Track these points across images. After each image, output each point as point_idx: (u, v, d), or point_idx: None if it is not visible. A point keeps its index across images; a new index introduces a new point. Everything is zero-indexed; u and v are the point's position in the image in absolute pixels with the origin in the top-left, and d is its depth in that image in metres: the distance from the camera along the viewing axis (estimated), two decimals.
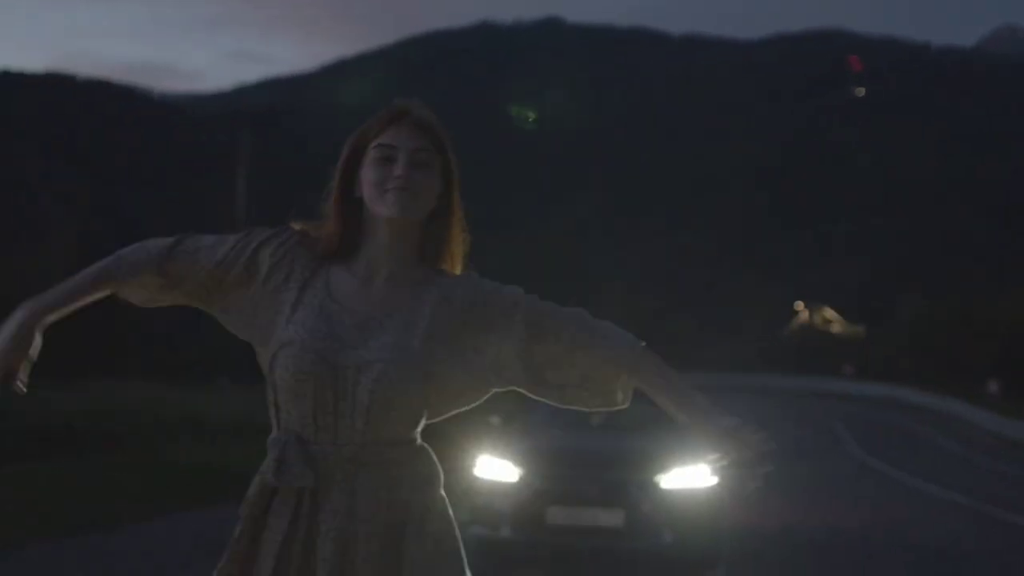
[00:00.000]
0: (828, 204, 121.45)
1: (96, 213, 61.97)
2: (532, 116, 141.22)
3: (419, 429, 2.10)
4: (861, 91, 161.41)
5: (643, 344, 2.11)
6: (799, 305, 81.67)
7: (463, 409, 2.17)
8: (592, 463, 7.39)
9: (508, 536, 7.23)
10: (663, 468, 7.24)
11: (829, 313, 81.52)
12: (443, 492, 2.14)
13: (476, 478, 7.56)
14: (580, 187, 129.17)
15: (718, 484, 7.37)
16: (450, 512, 2.13)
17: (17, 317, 2.08)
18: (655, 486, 7.18)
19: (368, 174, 2.10)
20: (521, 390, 2.15)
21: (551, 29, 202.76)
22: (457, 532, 2.12)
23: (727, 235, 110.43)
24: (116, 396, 15.79)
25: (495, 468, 7.46)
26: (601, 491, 7.17)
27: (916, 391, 48.62)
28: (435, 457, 2.14)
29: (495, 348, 2.09)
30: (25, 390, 2.09)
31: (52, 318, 2.13)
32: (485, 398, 2.17)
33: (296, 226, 2.19)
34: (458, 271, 2.16)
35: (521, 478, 7.23)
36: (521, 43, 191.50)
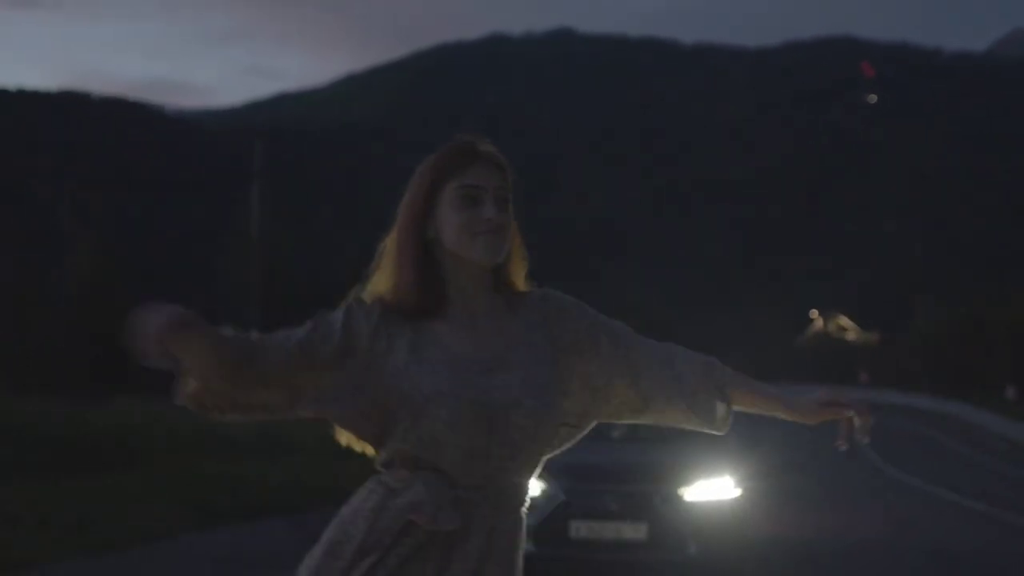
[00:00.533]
0: (842, 210, 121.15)
1: (111, 228, 62.20)
2: None
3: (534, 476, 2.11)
4: (873, 97, 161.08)
5: (714, 360, 2.16)
6: (814, 313, 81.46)
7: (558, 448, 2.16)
8: (614, 476, 7.38)
9: (531, 550, 7.23)
10: (686, 481, 7.24)
11: (844, 321, 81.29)
12: None
13: None
14: (593, 196, 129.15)
15: (741, 496, 7.38)
16: None
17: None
18: (678, 499, 7.17)
19: (453, 217, 2.02)
20: (624, 419, 2.18)
21: (562, 40, 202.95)
22: None
23: (742, 242, 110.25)
24: (138, 412, 15.86)
25: None
26: (624, 504, 7.15)
27: (932, 397, 48.45)
28: None
29: (601, 375, 2.11)
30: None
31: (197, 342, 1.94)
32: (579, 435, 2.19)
33: (363, 296, 2.09)
34: (524, 287, 2.14)
35: (543, 492, 7.24)
36: (532, 54, 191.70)
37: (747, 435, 8.28)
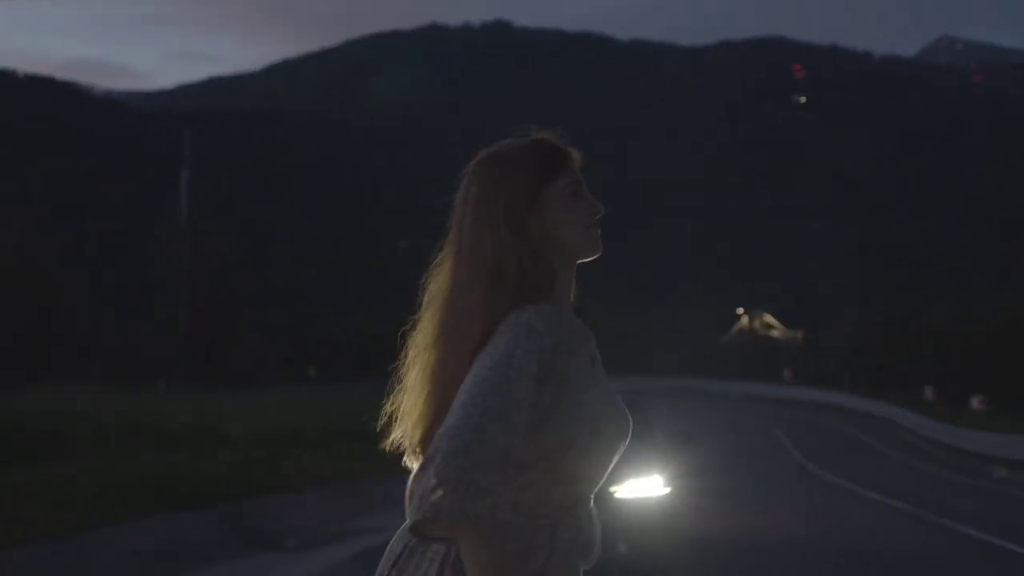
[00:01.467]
0: (772, 210, 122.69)
1: (37, 210, 60.91)
2: None
3: None
4: (803, 98, 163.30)
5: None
6: (740, 311, 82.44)
7: None
8: None
9: None
10: (616, 479, 7.32)
11: (769, 319, 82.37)
12: None
13: None
14: None
15: (671, 494, 7.48)
16: None
17: None
18: (608, 496, 7.25)
19: (565, 212, 1.92)
20: None
21: (499, 32, 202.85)
22: None
23: (671, 240, 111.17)
24: (49, 401, 15.55)
25: None
26: None
27: (853, 396, 49.30)
28: None
29: None
30: None
31: None
32: None
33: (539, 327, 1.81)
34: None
35: None
36: (469, 46, 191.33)
37: (676, 434, 8.38)
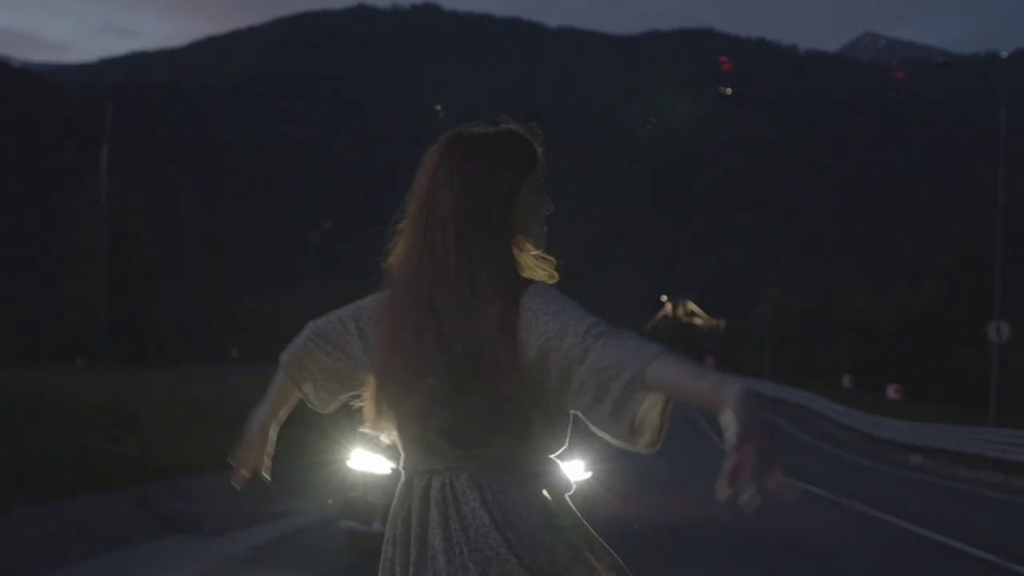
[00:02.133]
0: (697, 200, 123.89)
1: None
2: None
3: None
4: (729, 90, 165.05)
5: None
6: (664, 298, 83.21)
7: None
8: None
9: (380, 531, 7.11)
10: None
11: (692, 306, 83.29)
12: None
13: (350, 471, 7.46)
14: None
15: (592, 478, 7.42)
16: None
17: (249, 426, 2.27)
18: None
19: (536, 209, 2.00)
20: None
21: (428, 15, 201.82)
22: None
23: (598, 227, 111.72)
24: None
25: (369, 461, 7.36)
26: None
27: (775, 385, 49.99)
28: None
29: None
30: (270, 479, 2.31)
31: (276, 420, 2.28)
32: None
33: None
34: None
35: (394, 471, 7.15)
36: (399, 28, 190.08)
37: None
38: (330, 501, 9.29)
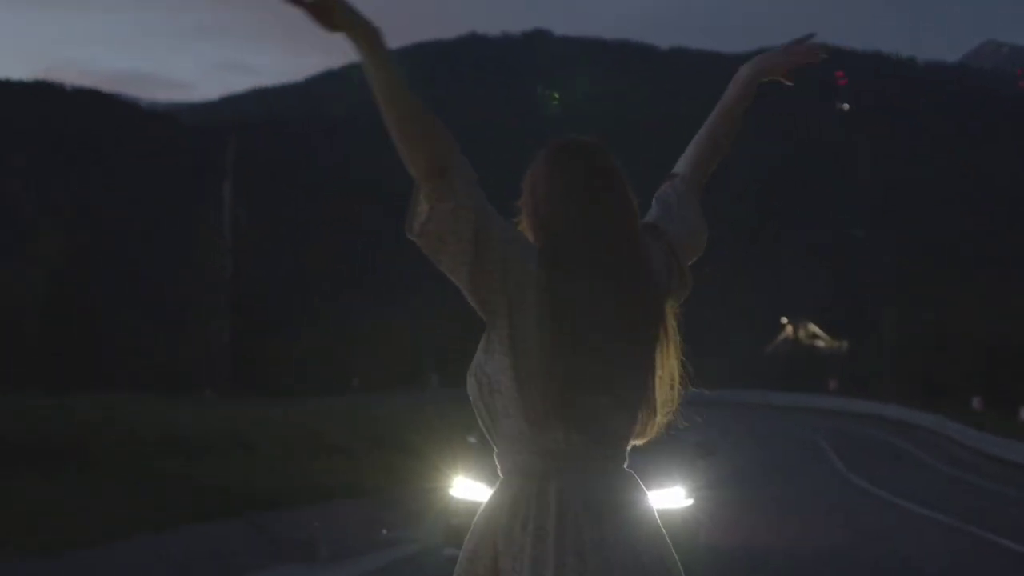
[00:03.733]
0: (815, 217, 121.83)
1: (83, 220, 61.72)
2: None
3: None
4: (846, 106, 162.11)
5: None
6: (784, 320, 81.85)
7: None
8: None
9: None
10: None
11: (814, 328, 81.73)
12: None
13: (452, 499, 7.50)
14: None
15: (693, 505, 7.33)
16: None
17: None
18: None
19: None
20: None
21: (539, 41, 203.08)
22: None
23: (713, 247, 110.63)
24: (95, 409, 15.66)
25: (471, 489, 7.39)
26: None
27: (899, 406, 48.70)
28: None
29: None
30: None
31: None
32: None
33: None
34: None
35: None
36: (509, 55, 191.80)
37: (700, 444, 8.25)
38: (434, 529, 9.36)
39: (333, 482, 12.37)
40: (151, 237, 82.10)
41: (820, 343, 78.95)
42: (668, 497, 7.20)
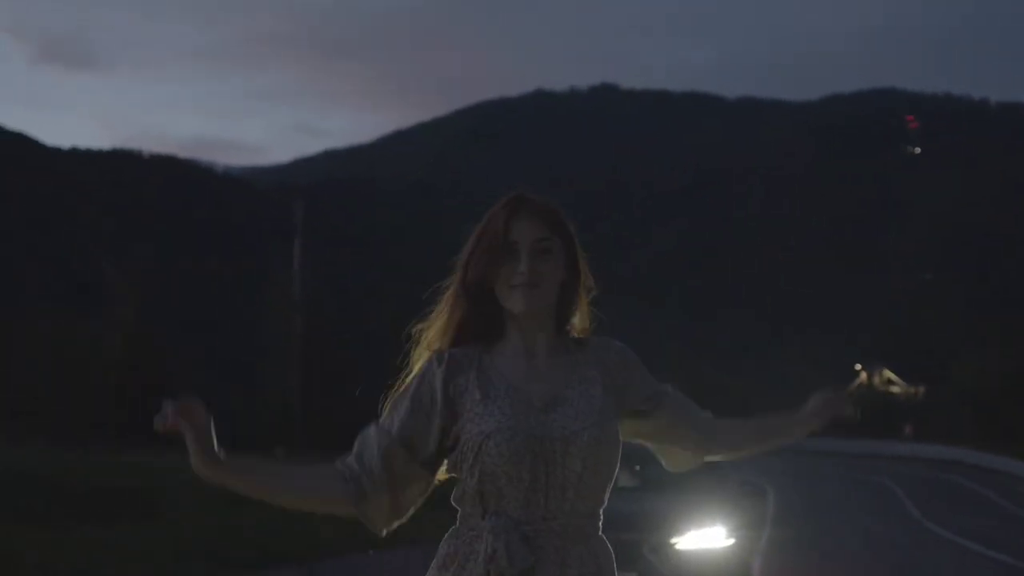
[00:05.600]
0: (889, 263, 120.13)
1: (160, 285, 63.00)
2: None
3: (604, 504, 2.20)
4: (917, 150, 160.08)
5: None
6: (858, 367, 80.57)
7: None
8: (604, 524, 7.31)
9: None
10: (677, 530, 7.17)
11: (889, 374, 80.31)
12: None
13: None
14: (636, 249, 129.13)
15: (735, 544, 7.35)
16: None
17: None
18: (669, 548, 7.11)
19: (495, 272, 2.15)
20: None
21: (606, 95, 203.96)
22: None
23: (783, 294, 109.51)
24: (157, 462, 15.99)
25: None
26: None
27: (978, 451, 47.62)
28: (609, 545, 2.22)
29: (632, 423, 2.25)
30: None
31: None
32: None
33: (421, 333, 2.26)
34: (586, 332, 2.28)
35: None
36: (576, 110, 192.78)
37: (746, 483, 8.25)
38: None
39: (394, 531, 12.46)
40: (224, 298, 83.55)
41: (896, 389, 77.61)
42: (709, 537, 7.21)
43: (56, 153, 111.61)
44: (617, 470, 2.17)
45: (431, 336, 2.24)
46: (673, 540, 7.17)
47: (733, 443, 2.34)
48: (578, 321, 2.25)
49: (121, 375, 38.05)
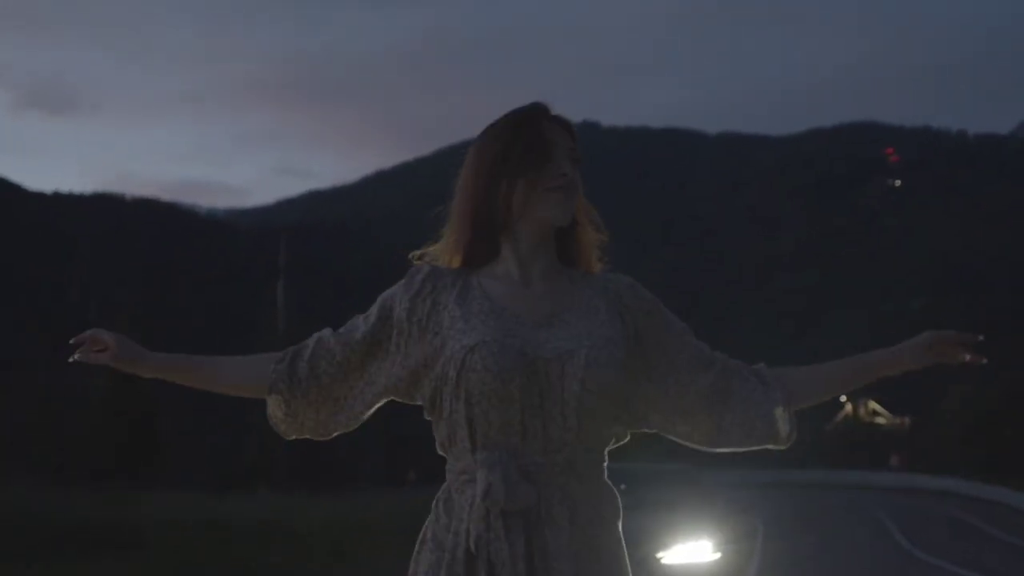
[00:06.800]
0: (869, 293, 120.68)
1: (143, 327, 62.82)
2: None
3: (610, 446, 1.96)
4: (897, 182, 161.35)
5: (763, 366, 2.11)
6: (843, 398, 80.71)
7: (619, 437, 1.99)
8: None
9: None
10: (663, 544, 7.17)
11: (874, 405, 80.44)
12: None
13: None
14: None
15: (721, 558, 7.34)
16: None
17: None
18: (655, 562, 7.11)
19: (522, 173, 1.94)
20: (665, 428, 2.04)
21: (587, 133, 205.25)
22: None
23: (766, 326, 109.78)
24: (147, 501, 15.88)
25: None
26: None
27: (965, 481, 47.69)
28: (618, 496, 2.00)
29: (673, 372, 1.98)
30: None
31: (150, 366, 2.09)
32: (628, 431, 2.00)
33: (419, 261, 2.06)
34: (596, 270, 2.05)
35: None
36: None
37: (732, 500, 8.26)
38: None
39: (373, 571, 12.41)
40: (209, 339, 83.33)
41: (881, 420, 77.69)
42: (695, 551, 7.20)
43: (39, 198, 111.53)
44: (625, 405, 1.93)
45: (438, 258, 2.05)
46: (659, 555, 7.17)
47: (812, 392, 2.05)
48: (584, 255, 2.03)
49: (106, 418, 37.96)
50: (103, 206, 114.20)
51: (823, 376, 2.12)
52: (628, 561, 2.02)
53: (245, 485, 39.10)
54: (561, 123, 2.01)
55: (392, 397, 2.03)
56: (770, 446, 2.08)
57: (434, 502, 1.96)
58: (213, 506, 18.52)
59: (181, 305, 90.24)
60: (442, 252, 2.05)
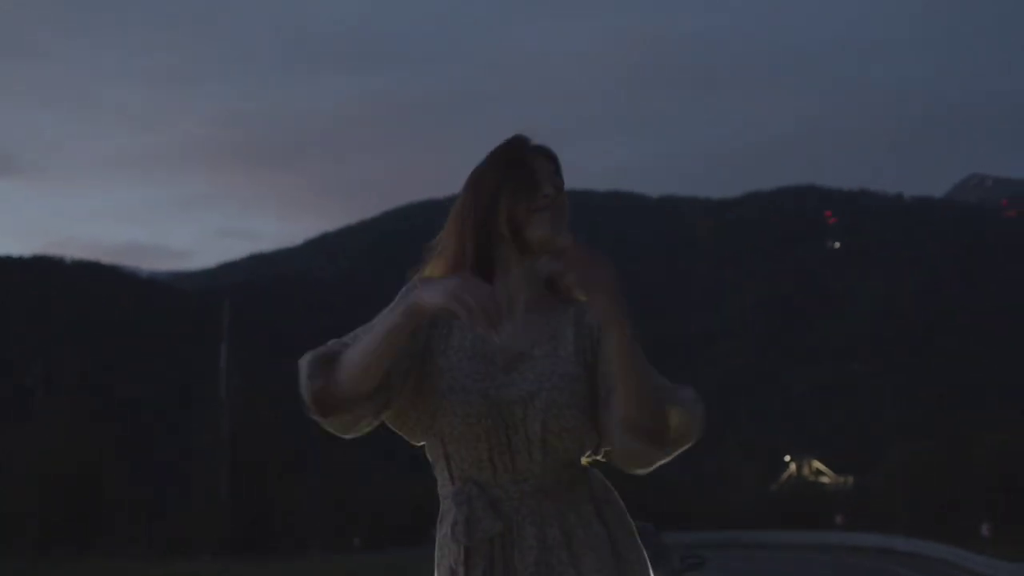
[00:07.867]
0: (810, 354, 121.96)
1: (85, 390, 61.89)
2: None
3: (587, 454, 2.05)
4: (837, 244, 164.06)
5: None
6: (787, 458, 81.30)
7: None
8: None
9: None
10: None
11: (817, 464, 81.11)
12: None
13: None
14: None
15: None
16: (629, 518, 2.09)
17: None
18: None
19: (511, 200, 2.06)
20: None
21: None
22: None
23: (709, 390, 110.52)
24: (88, 570, 15.65)
25: None
26: None
27: (907, 538, 48.09)
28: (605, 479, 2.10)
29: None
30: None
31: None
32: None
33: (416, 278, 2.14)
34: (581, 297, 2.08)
35: None
36: None
37: (686, 557, 8.37)
38: None
39: None
40: (152, 402, 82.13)
41: (825, 479, 78.27)
42: None
43: None
44: (590, 436, 2.00)
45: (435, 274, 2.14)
46: None
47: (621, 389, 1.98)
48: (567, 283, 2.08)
49: (44, 481, 37.37)
50: (43, 269, 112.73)
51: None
52: (635, 543, 2.06)
53: (194, 547, 38.57)
54: (542, 151, 2.13)
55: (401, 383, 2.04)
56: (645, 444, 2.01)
57: (439, 518, 2.07)
58: (156, 574, 18.31)
59: (124, 367, 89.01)
60: (441, 270, 2.17)
